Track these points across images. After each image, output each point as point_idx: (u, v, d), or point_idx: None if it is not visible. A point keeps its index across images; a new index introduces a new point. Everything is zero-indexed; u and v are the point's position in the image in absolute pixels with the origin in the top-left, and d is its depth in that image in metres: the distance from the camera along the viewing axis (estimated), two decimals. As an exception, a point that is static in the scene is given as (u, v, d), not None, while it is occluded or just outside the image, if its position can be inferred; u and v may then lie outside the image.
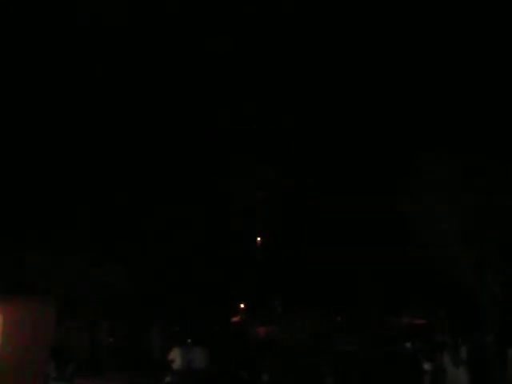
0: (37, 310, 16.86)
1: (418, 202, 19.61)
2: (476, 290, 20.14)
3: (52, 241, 19.44)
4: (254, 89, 25.62)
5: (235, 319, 32.11)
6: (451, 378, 13.91)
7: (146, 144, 23.67)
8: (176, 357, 16.57)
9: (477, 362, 17.04)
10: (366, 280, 27.41)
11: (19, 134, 21.07)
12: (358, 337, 24.95)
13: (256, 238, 31.90)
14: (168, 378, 16.25)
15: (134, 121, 23.48)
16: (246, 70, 25.26)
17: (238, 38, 24.24)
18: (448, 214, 19.59)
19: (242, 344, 24.54)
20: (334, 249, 26.81)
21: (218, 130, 25.39)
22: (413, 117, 22.82)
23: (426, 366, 15.54)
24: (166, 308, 24.22)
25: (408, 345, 22.86)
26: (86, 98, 22.56)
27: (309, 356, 21.02)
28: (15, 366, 15.92)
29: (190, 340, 17.43)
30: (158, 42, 23.65)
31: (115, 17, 22.15)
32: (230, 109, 25.49)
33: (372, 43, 24.47)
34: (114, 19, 22.17)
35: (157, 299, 23.42)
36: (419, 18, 23.26)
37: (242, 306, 32.61)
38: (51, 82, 21.94)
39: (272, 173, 27.73)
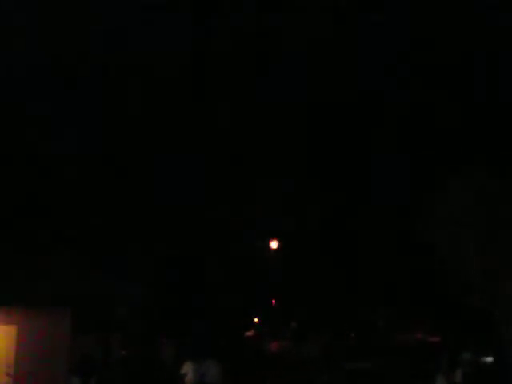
0: (52, 322, 17.00)
1: (434, 223, 19.59)
2: (490, 309, 20.02)
3: (68, 254, 19.63)
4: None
5: (249, 333, 32.09)
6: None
7: None
8: (188, 371, 16.55)
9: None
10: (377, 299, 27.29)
11: None
12: (371, 355, 24.80)
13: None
14: (180, 392, 16.25)
15: None
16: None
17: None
18: (466, 238, 19.54)
19: (255, 358, 24.49)
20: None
21: None
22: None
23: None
24: (180, 321, 24.27)
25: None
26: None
27: (320, 372, 20.94)
28: (30, 377, 16.06)
29: (202, 354, 17.43)
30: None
31: None
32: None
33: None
34: None
35: (171, 313, 23.48)
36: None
37: (256, 320, 32.60)
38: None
39: None
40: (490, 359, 24.90)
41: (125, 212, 23.30)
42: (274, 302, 30.88)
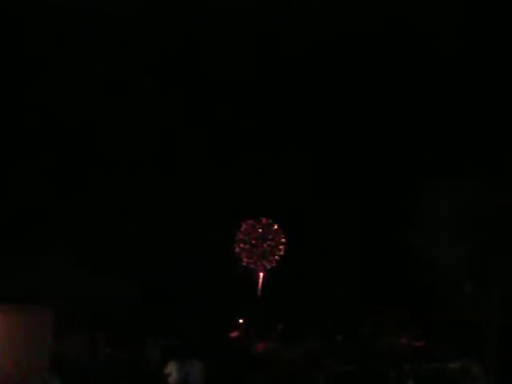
0: (34, 320, 16.84)
1: (421, 228, 19.64)
2: (478, 314, 20.08)
3: (50, 250, 19.51)
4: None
5: (234, 334, 31.99)
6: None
7: None
8: (172, 370, 16.51)
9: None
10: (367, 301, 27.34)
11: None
12: (357, 356, 24.79)
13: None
14: (164, 392, 16.18)
15: None
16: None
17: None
18: (451, 240, 19.59)
19: (240, 359, 24.42)
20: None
21: None
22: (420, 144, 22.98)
23: None
24: (164, 321, 24.19)
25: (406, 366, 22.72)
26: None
27: (307, 373, 20.91)
28: (12, 376, 15.91)
29: (186, 354, 17.37)
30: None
31: None
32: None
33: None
34: None
35: (156, 312, 23.41)
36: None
37: (241, 321, 32.52)
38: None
39: None
40: (475, 364, 24.97)
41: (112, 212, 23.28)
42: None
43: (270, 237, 35.92)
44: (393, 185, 24.25)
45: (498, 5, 22.96)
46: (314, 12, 26.07)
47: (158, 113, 25.50)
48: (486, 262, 19.59)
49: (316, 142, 28.05)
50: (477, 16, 23.56)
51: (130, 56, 25.17)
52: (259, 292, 33.28)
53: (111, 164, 24.66)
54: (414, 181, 21.29)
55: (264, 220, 35.64)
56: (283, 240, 35.14)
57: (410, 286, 23.98)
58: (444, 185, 19.90)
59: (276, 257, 35.33)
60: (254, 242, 35.77)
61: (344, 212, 26.28)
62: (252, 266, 35.34)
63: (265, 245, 35.77)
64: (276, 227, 35.39)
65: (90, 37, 24.21)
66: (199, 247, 26.90)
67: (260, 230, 36.00)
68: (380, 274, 25.98)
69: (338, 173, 26.98)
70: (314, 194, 27.78)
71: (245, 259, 35.02)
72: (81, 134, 24.10)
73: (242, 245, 35.48)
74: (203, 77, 26.47)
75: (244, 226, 35.49)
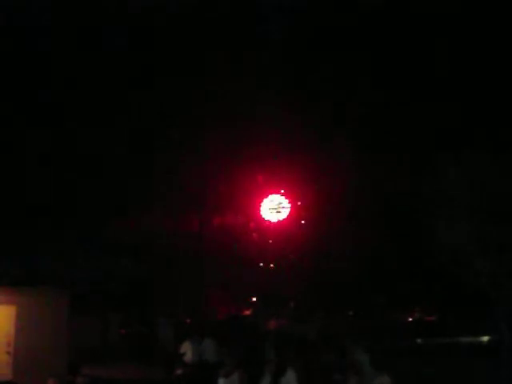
0: (50, 301, 17.05)
1: (432, 203, 19.55)
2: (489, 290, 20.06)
3: (64, 233, 19.63)
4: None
5: (247, 312, 32.23)
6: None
7: None
8: (187, 350, 16.61)
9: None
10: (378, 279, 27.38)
11: None
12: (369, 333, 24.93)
13: None
14: (179, 371, 16.29)
15: None
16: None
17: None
18: (464, 219, 19.51)
19: (252, 336, 24.58)
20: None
21: None
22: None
23: None
24: (177, 300, 24.35)
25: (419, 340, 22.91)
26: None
27: (318, 350, 21.00)
28: (30, 356, 16.15)
29: (200, 333, 17.46)
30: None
31: None
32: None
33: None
34: None
35: (170, 291, 23.55)
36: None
37: (254, 299, 32.71)
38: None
39: None
40: (486, 339, 25.11)
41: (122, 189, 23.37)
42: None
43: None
44: (405, 165, 24.17)
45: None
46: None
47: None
48: (495, 237, 19.56)
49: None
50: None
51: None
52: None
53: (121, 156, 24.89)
54: (426, 161, 21.15)
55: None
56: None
57: (421, 262, 23.98)
58: (455, 163, 19.83)
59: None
60: None
61: (358, 190, 26.19)
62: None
63: None
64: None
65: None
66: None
67: None
68: (392, 251, 25.97)
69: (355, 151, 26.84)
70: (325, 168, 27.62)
71: None
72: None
73: None
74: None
75: None
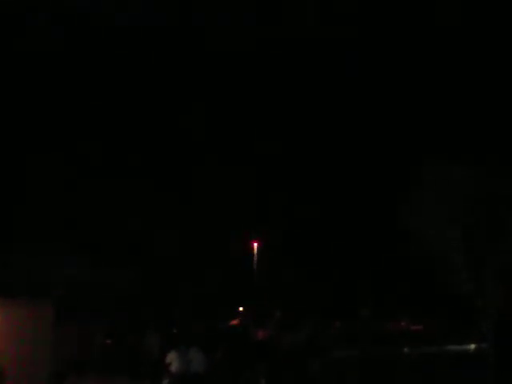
0: (34, 312, 16.81)
1: (419, 211, 19.64)
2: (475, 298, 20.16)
3: (50, 241, 19.43)
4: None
5: (234, 322, 31.99)
6: None
7: None
8: (173, 359, 16.45)
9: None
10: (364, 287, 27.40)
11: None
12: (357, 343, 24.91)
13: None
14: (165, 381, 16.15)
15: None
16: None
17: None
18: (449, 224, 19.62)
19: (241, 346, 24.43)
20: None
21: None
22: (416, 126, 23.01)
23: None
24: (164, 310, 24.16)
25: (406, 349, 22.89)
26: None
27: (306, 359, 20.98)
28: (14, 367, 15.90)
29: (187, 342, 17.32)
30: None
31: None
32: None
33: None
34: None
35: (156, 301, 23.38)
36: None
37: (241, 309, 32.55)
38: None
39: None
40: (472, 347, 25.16)
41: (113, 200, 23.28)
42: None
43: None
44: (390, 171, 24.32)
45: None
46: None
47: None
48: (480, 244, 19.70)
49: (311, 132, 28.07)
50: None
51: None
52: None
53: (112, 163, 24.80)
54: (411, 167, 21.30)
55: None
56: None
57: (408, 271, 24.04)
58: (439, 170, 19.96)
59: None
60: None
61: (343, 198, 26.31)
62: None
63: None
64: None
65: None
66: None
67: None
68: (378, 259, 26.04)
69: (336, 162, 26.99)
70: (316, 179, 27.74)
71: None
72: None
73: None
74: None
75: None
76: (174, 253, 23.95)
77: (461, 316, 23.90)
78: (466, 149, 20.21)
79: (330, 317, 29.55)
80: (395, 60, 25.35)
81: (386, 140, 24.92)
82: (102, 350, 24.22)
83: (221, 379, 15.53)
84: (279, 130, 27.19)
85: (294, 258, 28.68)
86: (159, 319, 24.83)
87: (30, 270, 17.57)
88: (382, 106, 25.14)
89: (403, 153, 24.00)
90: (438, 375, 19.51)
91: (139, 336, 24.72)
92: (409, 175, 20.71)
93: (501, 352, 18.85)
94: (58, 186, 22.21)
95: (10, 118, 22.88)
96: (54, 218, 21.38)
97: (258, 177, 28.95)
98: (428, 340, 26.36)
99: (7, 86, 23.29)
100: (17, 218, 20.10)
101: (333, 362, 21.06)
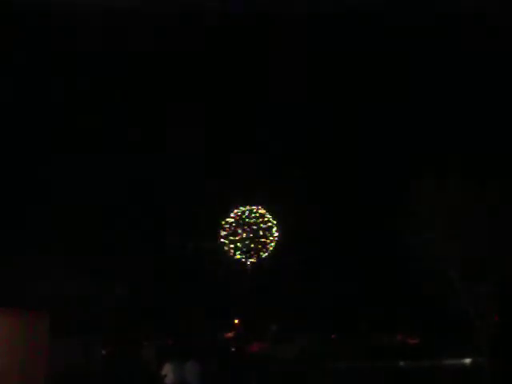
0: (30, 324, 16.74)
1: (414, 227, 19.72)
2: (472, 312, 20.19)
3: (46, 254, 19.45)
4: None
5: (229, 335, 31.99)
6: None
7: None
8: (169, 372, 16.43)
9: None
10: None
11: None
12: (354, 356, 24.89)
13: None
14: (160, 394, 16.12)
15: None
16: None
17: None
18: (444, 240, 19.69)
19: (235, 359, 24.45)
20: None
21: None
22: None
23: None
24: (160, 323, 24.15)
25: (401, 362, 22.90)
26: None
27: (301, 372, 20.98)
28: (9, 379, 15.83)
29: (182, 355, 17.31)
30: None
31: None
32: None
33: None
34: None
35: (152, 314, 23.36)
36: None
37: (237, 321, 32.54)
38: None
39: None
40: (468, 361, 25.11)
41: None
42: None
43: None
44: (386, 187, 24.40)
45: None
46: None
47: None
48: (476, 258, 19.75)
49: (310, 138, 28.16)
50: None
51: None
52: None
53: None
54: (407, 183, 21.41)
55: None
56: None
57: (404, 285, 24.08)
58: (434, 185, 20.07)
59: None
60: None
61: (340, 211, 26.39)
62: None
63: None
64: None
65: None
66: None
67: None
68: (375, 273, 26.06)
69: (335, 172, 27.10)
70: (310, 191, 27.84)
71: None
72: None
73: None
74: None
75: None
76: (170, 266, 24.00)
77: (457, 330, 23.88)
78: (459, 164, 20.38)
79: (328, 330, 29.51)
80: (390, 73, 25.60)
81: (380, 154, 25.10)
82: (100, 361, 24.18)
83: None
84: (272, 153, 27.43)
85: (292, 270, 28.71)
86: (156, 331, 24.84)
87: (22, 282, 17.55)
88: (381, 126, 25.36)
89: (402, 167, 24.14)
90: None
91: (137, 347, 24.73)
92: (408, 189, 20.82)
93: (497, 366, 18.87)
94: (51, 200, 22.30)
95: None
96: (48, 232, 21.44)
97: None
98: (424, 354, 26.34)
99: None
100: (8, 230, 20.13)
101: (329, 373, 21.05)
